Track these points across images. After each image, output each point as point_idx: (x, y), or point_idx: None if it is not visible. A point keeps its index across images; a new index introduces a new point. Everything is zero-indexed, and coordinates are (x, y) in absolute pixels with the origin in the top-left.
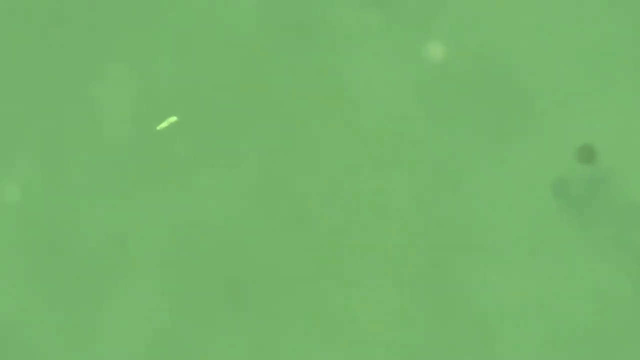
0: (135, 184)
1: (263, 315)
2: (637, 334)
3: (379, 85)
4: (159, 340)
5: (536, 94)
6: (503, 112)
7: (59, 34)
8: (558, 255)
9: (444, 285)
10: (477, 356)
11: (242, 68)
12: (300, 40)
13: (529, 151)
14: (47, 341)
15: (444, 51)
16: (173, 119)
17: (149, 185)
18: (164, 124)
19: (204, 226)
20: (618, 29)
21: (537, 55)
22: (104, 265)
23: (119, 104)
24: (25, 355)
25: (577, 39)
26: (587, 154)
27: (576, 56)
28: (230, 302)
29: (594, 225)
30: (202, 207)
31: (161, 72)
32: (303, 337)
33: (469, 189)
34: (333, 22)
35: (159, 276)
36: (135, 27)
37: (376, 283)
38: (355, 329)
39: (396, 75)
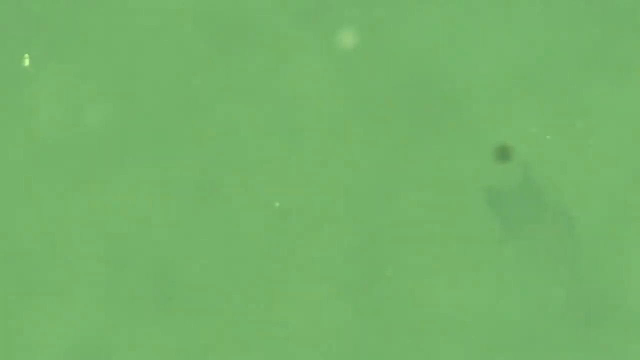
0: (67, 184)
1: (192, 320)
2: (570, 344)
3: (311, 89)
4: (84, 344)
5: (470, 100)
6: (436, 117)
7: None
8: (491, 265)
9: (377, 294)
10: None
11: (175, 68)
12: (231, 43)
13: (462, 158)
14: None
15: (372, 52)
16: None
17: (80, 185)
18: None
19: (135, 228)
20: (555, 34)
21: (474, 61)
22: (31, 266)
23: (51, 102)
24: None
25: (513, 45)
26: (503, 154)
27: (514, 65)
28: (160, 307)
29: (527, 236)
30: (133, 209)
31: (93, 70)
32: (232, 342)
33: (402, 195)
34: (266, 29)
35: (87, 279)
36: (65, 25)
37: (308, 290)
38: (285, 336)
39: (329, 79)
